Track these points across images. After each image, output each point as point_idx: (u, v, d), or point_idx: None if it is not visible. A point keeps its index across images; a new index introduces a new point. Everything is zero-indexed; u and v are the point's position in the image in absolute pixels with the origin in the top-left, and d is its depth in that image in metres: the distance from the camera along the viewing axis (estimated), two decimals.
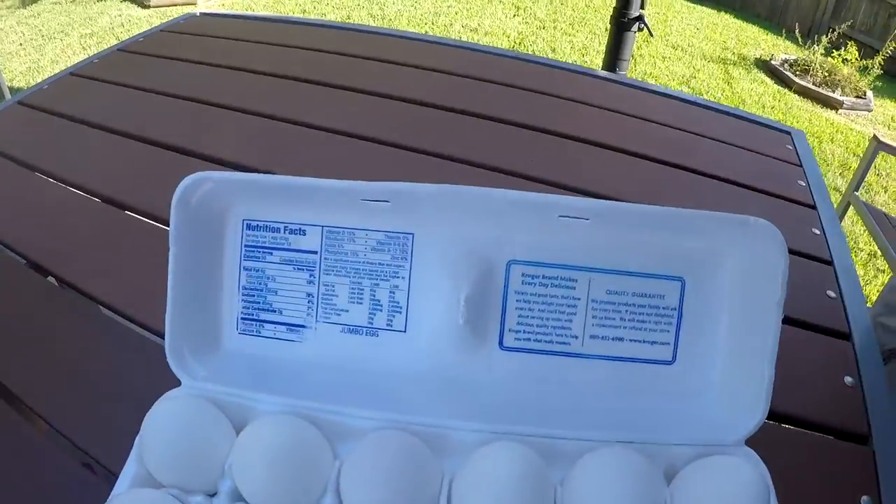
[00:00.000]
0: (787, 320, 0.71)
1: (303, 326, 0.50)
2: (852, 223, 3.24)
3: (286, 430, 0.43)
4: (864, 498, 0.56)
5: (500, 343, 0.48)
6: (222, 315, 0.51)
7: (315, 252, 0.48)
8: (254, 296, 0.50)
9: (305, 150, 1.05)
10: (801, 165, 1.09)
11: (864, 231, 3.09)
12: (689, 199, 0.95)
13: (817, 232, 0.90)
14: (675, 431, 0.45)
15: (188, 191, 0.46)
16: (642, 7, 2.76)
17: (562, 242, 0.46)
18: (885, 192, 3.77)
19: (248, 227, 0.49)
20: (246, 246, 0.49)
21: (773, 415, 0.61)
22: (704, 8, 6.95)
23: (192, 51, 1.44)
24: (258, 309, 0.50)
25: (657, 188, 0.97)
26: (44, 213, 0.92)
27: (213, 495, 0.43)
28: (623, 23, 2.79)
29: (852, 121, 4.77)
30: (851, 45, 5.27)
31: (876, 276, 3.01)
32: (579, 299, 0.47)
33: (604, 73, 1.41)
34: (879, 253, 2.84)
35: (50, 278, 0.80)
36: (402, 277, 0.47)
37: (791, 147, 1.15)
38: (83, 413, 0.60)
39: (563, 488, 0.42)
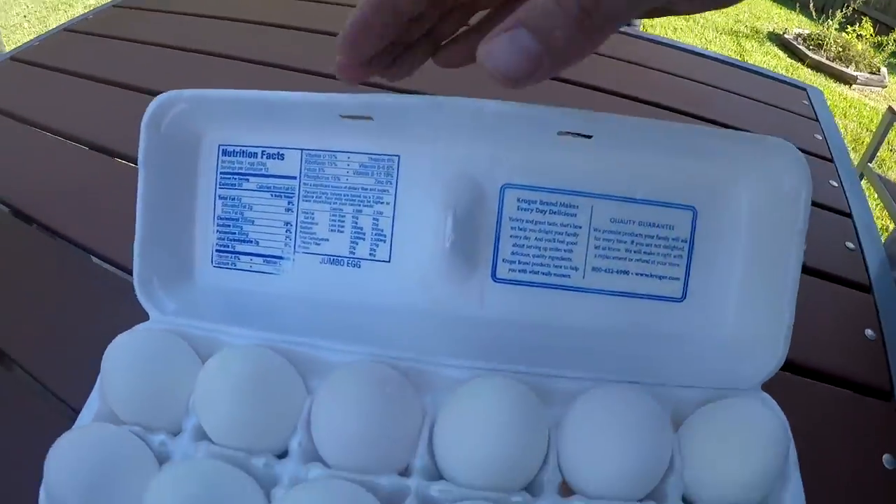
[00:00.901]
0: (805, 269, 0.68)
1: (280, 258, 0.46)
2: (866, 197, 3.19)
3: (253, 361, 0.39)
4: (887, 456, 0.53)
5: (493, 275, 0.44)
6: (195, 246, 0.47)
7: (294, 178, 0.44)
8: (229, 226, 0.46)
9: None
10: (818, 120, 1.06)
11: (877, 206, 3.05)
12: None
13: (835, 184, 0.87)
14: (685, 374, 0.41)
15: (159, 111, 0.43)
16: None
17: (561, 164, 0.42)
18: None
19: (224, 152, 0.46)
20: (221, 173, 0.46)
21: (790, 366, 0.57)
22: None
23: (187, 4, 1.39)
24: (233, 240, 0.46)
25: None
26: (30, 162, 0.90)
27: (177, 434, 0.39)
28: None
29: (866, 96, 4.72)
30: (866, 21, 5.21)
31: None
32: (580, 227, 0.42)
33: (625, 28, 1.37)
34: (892, 226, 2.80)
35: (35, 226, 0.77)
36: (387, 203, 0.44)
37: (807, 102, 1.12)
38: (51, 354, 0.58)
39: (559, 430, 0.38)
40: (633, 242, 0.43)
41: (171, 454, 0.39)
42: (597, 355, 0.42)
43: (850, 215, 0.81)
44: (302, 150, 0.44)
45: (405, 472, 0.38)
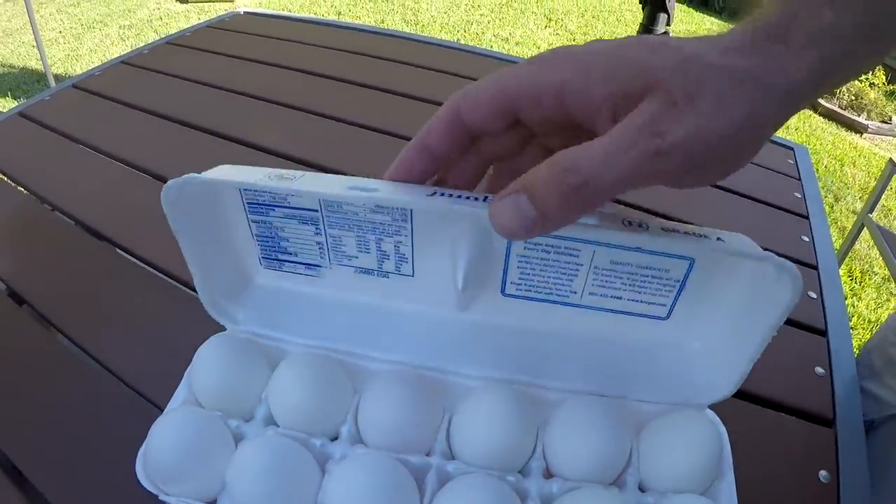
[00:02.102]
0: None
1: (318, 266, 0.55)
2: (868, 247, 3.28)
3: (314, 366, 0.51)
4: (823, 472, 0.63)
5: (503, 290, 0.53)
6: (245, 261, 0.57)
7: (316, 210, 0.51)
8: (268, 241, 0.55)
9: (338, 142, 1.14)
10: (799, 179, 1.16)
11: (879, 255, 3.14)
12: (688, 203, 1.02)
13: (806, 239, 0.97)
14: (653, 387, 0.52)
15: (172, 193, 0.48)
16: (668, 24, 2.83)
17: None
18: None
19: (246, 191, 0.51)
20: (248, 203, 0.52)
21: (747, 395, 0.69)
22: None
23: (234, 46, 1.53)
24: (275, 251, 0.55)
25: (653, 193, 1.03)
26: (96, 185, 1.03)
27: (249, 420, 0.52)
28: None
29: (876, 145, 4.79)
30: (879, 70, 5.27)
31: (888, 300, 3.05)
32: (581, 265, 0.50)
33: None
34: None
35: (106, 242, 0.90)
36: (405, 235, 0.51)
37: (792, 162, 1.21)
38: (138, 359, 0.70)
39: (546, 429, 0.50)
40: (629, 277, 0.50)
41: (244, 435, 0.50)
42: (584, 367, 0.53)
43: (816, 267, 0.92)
44: (319, 198, 0.50)
45: (428, 454, 0.50)
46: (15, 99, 4.44)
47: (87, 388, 0.69)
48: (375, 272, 0.54)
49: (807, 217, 1.04)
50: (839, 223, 3.59)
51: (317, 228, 0.52)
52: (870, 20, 0.32)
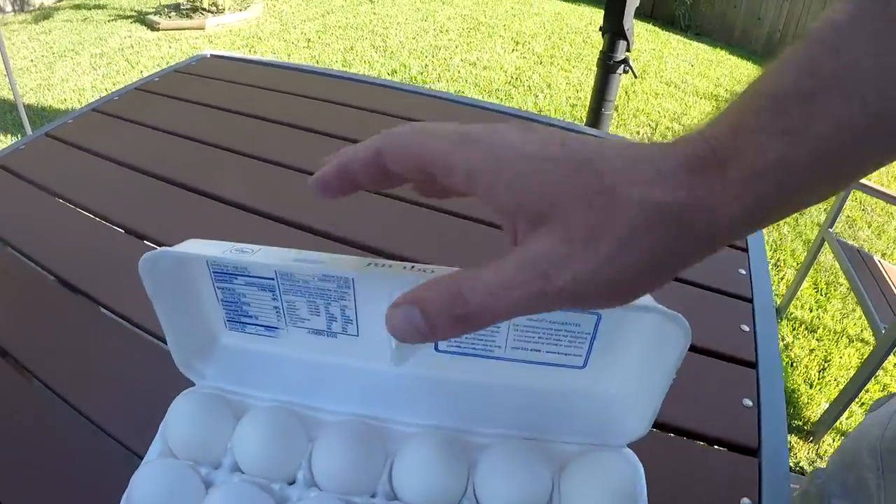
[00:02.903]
0: (699, 350, 0.85)
1: (276, 328, 0.62)
2: (833, 258, 3.35)
3: (273, 419, 0.58)
4: (745, 499, 0.68)
5: (436, 347, 0.60)
6: (212, 323, 0.64)
7: (272, 279, 0.58)
8: (232, 306, 0.62)
9: (300, 193, 1.16)
10: (746, 250, 1.17)
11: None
12: None
13: (743, 272, 1.03)
14: (574, 429, 0.59)
15: (148, 264, 0.55)
16: (628, 50, 2.90)
17: None
18: (869, 227, 3.86)
19: (213, 263, 0.59)
20: (214, 273, 0.59)
21: (673, 428, 0.74)
22: (700, 44, 7.06)
23: (202, 93, 1.58)
24: (238, 314, 0.62)
25: None
26: (74, 240, 1.08)
27: (217, 468, 0.58)
28: (609, 65, 2.93)
29: None
30: None
31: (854, 310, 3.12)
32: (502, 324, 0.56)
33: (566, 124, 1.51)
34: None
35: (80, 296, 0.95)
36: (349, 300, 0.57)
37: None
38: (116, 408, 0.75)
39: (475, 469, 0.57)
40: (545, 332, 0.56)
41: (213, 481, 0.57)
42: (510, 414, 0.60)
43: (751, 300, 0.97)
44: (274, 269, 0.57)
45: (374, 495, 0.56)
46: None
47: (67, 437, 0.74)
48: (325, 333, 0.61)
49: (746, 250, 1.09)
50: (804, 236, 3.67)
51: (274, 295, 0.59)
52: (834, 148, 0.31)
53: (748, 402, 0.80)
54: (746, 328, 0.91)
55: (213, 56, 1.84)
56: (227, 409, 0.60)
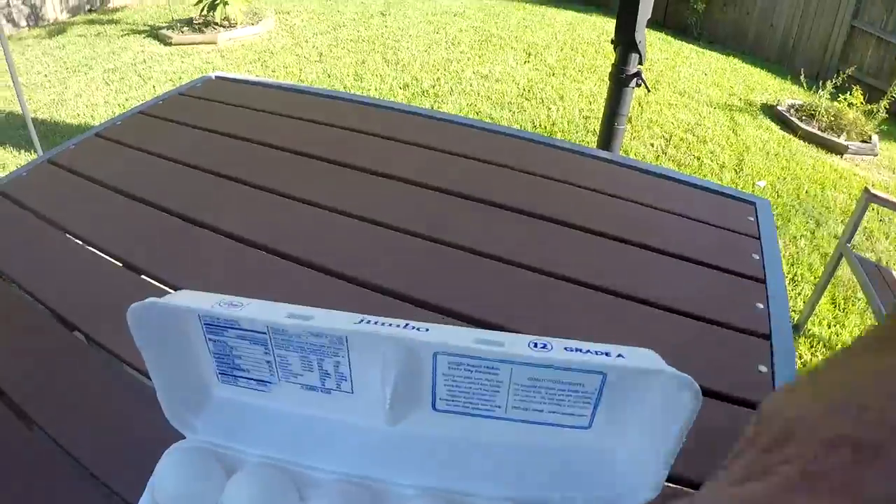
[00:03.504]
0: (714, 394, 0.81)
1: (269, 382, 0.60)
2: (850, 272, 3.30)
3: (264, 479, 0.56)
4: None
5: (434, 406, 0.57)
6: (203, 375, 0.62)
7: (264, 333, 0.56)
8: (224, 359, 0.59)
9: (304, 227, 1.16)
10: (759, 238, 1.18)
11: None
12: (638, 276, 1.04)
13: (761, 306, 0.99)
14: (579, 491, 0.55)
15: (137, 314, 0.54)
16: (640, 63, 2.87)
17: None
18: (887, 238, 3.81)
19: (204, 315, 0.57)
20: (206, 325, 0.57)
21: (682, 480, 0.70)
22: (714, 53, 7.03)
23: (206, 117, 1.56)
24: (230, 367, 0.60)
25: (611, 266, 1.06)
26: (72, 273, 1.06)
27: None
28: (621, 79, 2.90)
29: (857, 165, 4.83)
30: (857, 89, 5.32)
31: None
32: (502, 382, 0.54)
33: (573, 146, 1.47)
34: None
35: (76, 333, 0.92)
36: (343, 357, 0.56)
37: (753, 218, 1.23)
38: (106, 450, 0.72)
39: None
40: (547, 392, 0.54)
41: None
42: (512, 475, 0.57)
43: (769, 338, 0.93)
44: (266, 324, 0.55)
45: None
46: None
47: (56, 480, 0.71)
48: (319, 389, 0.59)
49: (763, 281, 1.05)
50: (821, 249, 3.62)
51: (266, 349, 0.57)
52: None
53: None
54: (764, 369, 0.87)
55: (218, 77, 1.82)
56: (217, 465, 0.58)
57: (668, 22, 7.73)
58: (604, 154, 1.45)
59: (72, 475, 0.71)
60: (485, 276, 1.03)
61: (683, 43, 7.24)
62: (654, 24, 7.33)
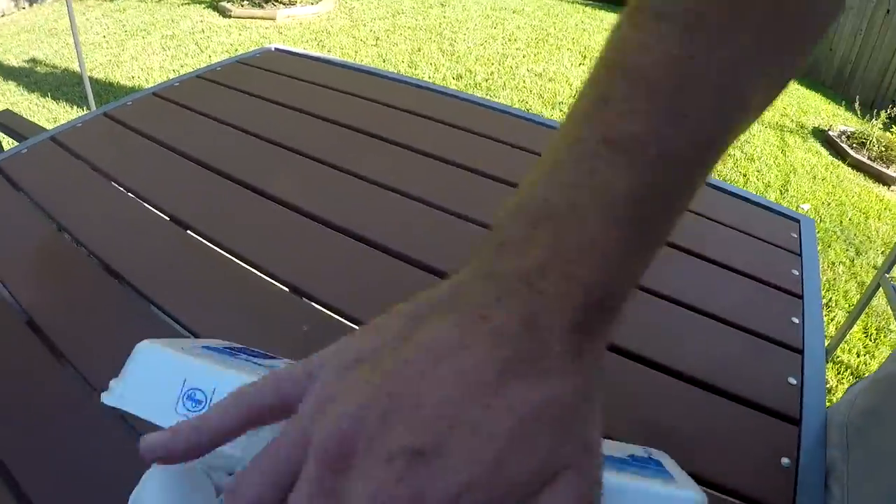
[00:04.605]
0: (742, 400, 0.82)
1: None
2: (886, 302, 3.26)
3: None
4: None
5: None
6: None
7: None
8: None
9: (354, 200, 1.18)
10: (800, 255, 1.17)
11: None
12: (683, 280, 1.04)
13: (796, 321, 0.99)
14: None
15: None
16: None
17: None
18: None
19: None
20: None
21: (709, 484, 0.71)
22: None
23: (263, 86, 1.59)
24: None
25: (657, 269, 1.05)
26: (119, 223, 1.09)
27: None
28: None
29: None
30: None
31: None
32: None
33: None
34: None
35: (118, 281, 0.95)
36: None
37: (796, 235, 1.23)
38: None
39: None
40: None
41: None
42: None
43: (801, 352, 0.93)
44: None
45: None
46: (55, 100, 4.56)
47: (92, 427, 0.73)
48: None
49: (801, 297, 1.06)
50: (858, 277, 3.58)
51: None
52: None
53: (786, 462, 0.77)
54: (794, 381, 0.88)
55: (277, 50, 1.84)
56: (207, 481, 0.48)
57: None
58: None
59: (108, 423, 0.73)
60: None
61: None
62: None
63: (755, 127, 5.13)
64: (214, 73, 1.65)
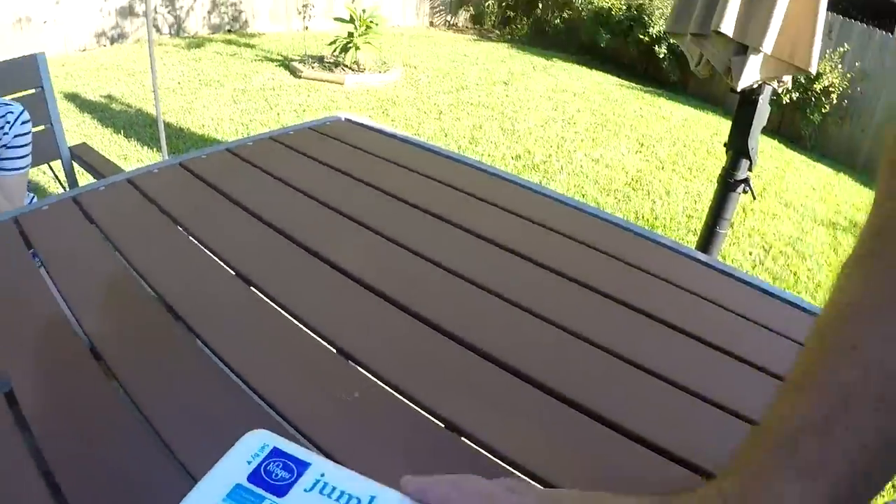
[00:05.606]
0: None
1: None
2: None
3: None
4: None
5: None
6: None
7: None
8: None
9: (408, 275, 1.23)
10: None
11: None
12: (720, 380, 1.05)
13: None
14: None
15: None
16: (749, 170, 2.88)
17: None
18: None
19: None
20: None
21: None
22: (824, 167, 6.85)
23: (331, 154, 1.68)
24: None
25: (691, 366, 1.07)
26: (183, 267, 1.18)
27: None
28: (729, 183, 2.90)
29: None
30: None
31: None
32: None
33: (673, 243, 1.49)
34: None
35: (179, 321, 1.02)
36: None
37: None
38: (183, 429, 0.80)
39: None
40: None
41: None
42: None
43: None
44: None
45: None
46: (126, 137, 4.74)
47: (135, 447, 0.80)
48: None
49: None
50: None
51: None
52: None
53: None
54: None
55: (347, 120, 1.94)
56: None
57: (783, 129, 7.62)
58: (702, 256, 1.45)
59: (148, 443, 0.79)
60: (575, 354, 1.05)
61: (795, 153, 7.11)
62: (767, 130, 7.20)
63: (808, 223, 5.12)
64: (286, 136, 1.74)
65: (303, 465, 0.55)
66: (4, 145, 1.60)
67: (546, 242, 1.40)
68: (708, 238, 3.11)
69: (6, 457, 0.76)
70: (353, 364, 0.97)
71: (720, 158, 2.97)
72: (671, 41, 7.54)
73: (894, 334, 0.39)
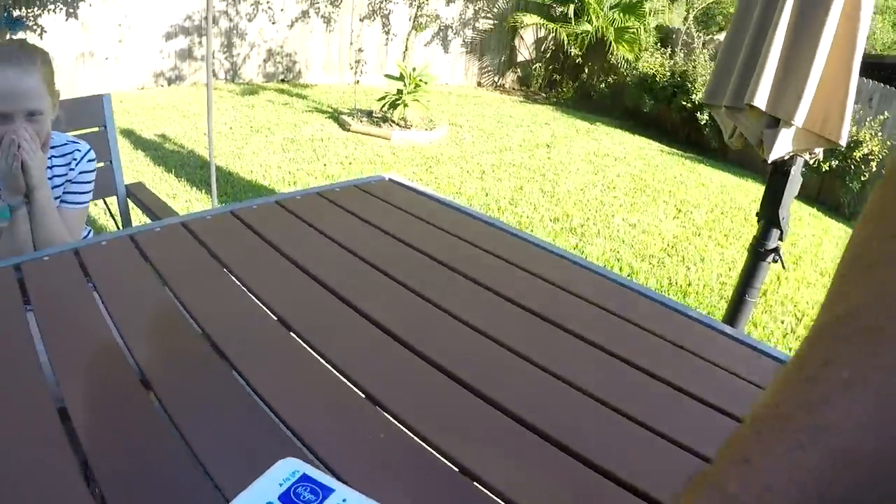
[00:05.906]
0: None
1: None
2: None
3: None
4: None
5: None
6: None
7: None
8: None
9: (440, 333, 1.29)
10: None
11: None
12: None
13: None
14: None
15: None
16: (780, 239, 2.91)
17: None
18: None
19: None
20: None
21: None
22: None
23: (374, 212, 1.79)
24: None
25: (707, 435, 1.08)
26: (228, 308, 1.28)
27: None
28: (759, 252, 2.93)
29: None
30: None
31: None
32: None
33: (702, 317, 1.51)
34: None
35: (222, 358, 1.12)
36: None
37: None
38: (216, 449, 0.90)
39: None
40: None
41: None
42: None
43: None
44: None
45: None
46: (177, 177, 4.91)
47: (177, 470, 0.89)
48: None
49: None
50: None
51: None
52: None
53: None
54: None
55: (391, 180, 2.06)
56: None
57: (821, 197, 7.59)
58: (729, 330, 1.46)
59: (183, 460, 0.89)
60: (591, 416, 1.10)
61: (833, 220, 7.06)
62: (805, 198, 7.20)
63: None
64: (333, 192, 1.87)
65: (328, 491, 0.66)
66: (70, 180, 1.74)
67: (570, 307, 1.45)
68: (737, 305, 3.14)
69: (57, 466, 0.85)
70: (379, 409, 1.04)
71: (756, 226, 3.01)
72: None
73: None
